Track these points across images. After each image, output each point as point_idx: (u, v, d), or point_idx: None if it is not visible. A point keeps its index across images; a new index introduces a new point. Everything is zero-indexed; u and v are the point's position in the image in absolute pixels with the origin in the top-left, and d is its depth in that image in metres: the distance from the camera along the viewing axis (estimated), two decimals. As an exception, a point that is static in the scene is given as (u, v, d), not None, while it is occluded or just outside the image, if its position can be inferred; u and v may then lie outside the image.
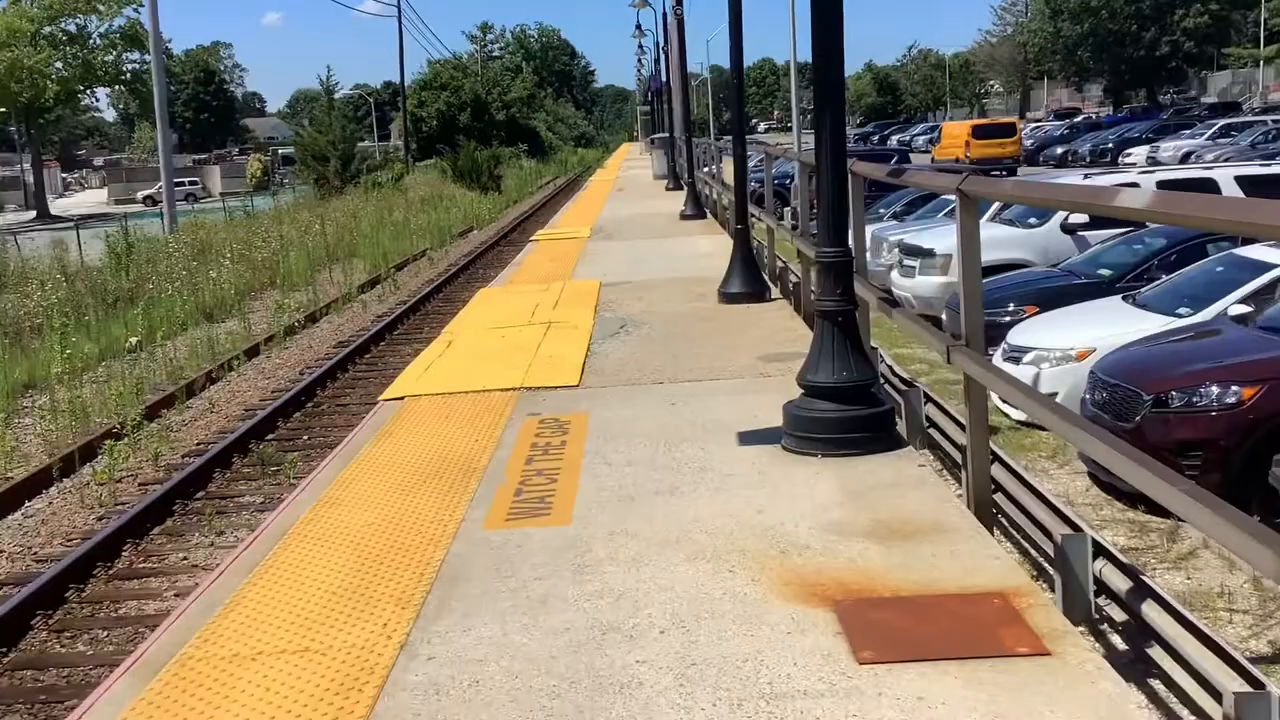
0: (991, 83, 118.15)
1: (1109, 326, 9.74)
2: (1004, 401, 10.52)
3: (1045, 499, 5.22)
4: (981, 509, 4.16)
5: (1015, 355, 10.13)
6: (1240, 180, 13.69)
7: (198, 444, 11.85)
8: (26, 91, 63.79)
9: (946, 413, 6.73)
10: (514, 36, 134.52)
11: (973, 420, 4.13)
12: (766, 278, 10.00)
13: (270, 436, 11.81)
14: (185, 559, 8.62)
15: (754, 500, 4.45)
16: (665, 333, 8.31)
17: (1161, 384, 7.53)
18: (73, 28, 69.17)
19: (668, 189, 26.59)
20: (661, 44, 33.40)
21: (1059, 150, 49.92)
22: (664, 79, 37.59)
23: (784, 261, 10.48)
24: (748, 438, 5.37)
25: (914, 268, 14.88)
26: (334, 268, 26.04)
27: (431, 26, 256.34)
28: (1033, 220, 14.84)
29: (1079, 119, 66.79)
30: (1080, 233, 14.09)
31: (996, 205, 15.98)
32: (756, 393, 6.33)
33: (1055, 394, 9.39)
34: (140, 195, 73.91)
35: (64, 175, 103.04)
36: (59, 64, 66.99)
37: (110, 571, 8.33)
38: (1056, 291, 11.97)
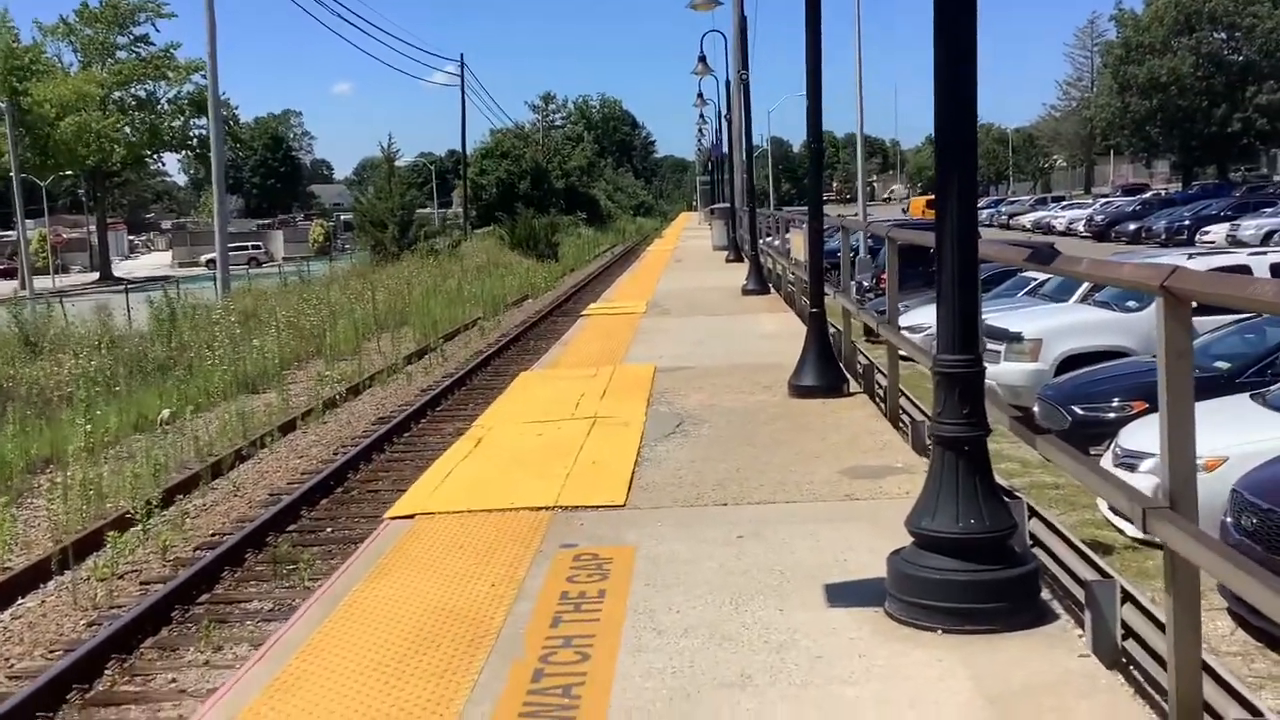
0: (1055, 157, 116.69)
1: (1241, 432, 8.39)
2: (1116, 513, 9.22)
3: (1215, 674, 4.01)
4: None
5: (1129, 461, 8.80)
6: (1368, 264, 12.31)
7: (213, 534, 10.84)
8: (94, 155, 64.53)
9: (1068, 540, 5.42)
10: (576, 107, 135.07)
11: (1178, 615, 2.90)
12: (843, 367, 8.80)
13: (292, 527, 10.75)
14: (174, 682, 7.51)
15: (858, 707, 3.23)
16: (728, 434, 7.12)
17: (1331, 513, 6.21)
18: (142, 93, 70.18)
19: (728, 260, 25.55)
20: (724, 112, 32.65)
21: (1131, 226, 48.39)
22: (724, 148, 36.76)
23: (867, 358, 9.25)
24: (838, 594, 4.16)
25: (998, 353, 13.58)
26: (382, 336, 25.21)
27: (495, 96, 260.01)
28: (1131, 303, 13.50)
29: (1148, 195, 65.11)
30: (1186, 318, 12.71)
31: (1087, 285, 14.70)
32: (843, 522, 5.13)
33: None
34: (203, 259, 74.39)
35: (131, 238, 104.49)
36: (127, 129, 67.78)
37: (87, 696, 7.24)
38: (1168, 386, 10.63)
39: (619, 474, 6.12)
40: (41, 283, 55.05)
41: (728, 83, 28.84)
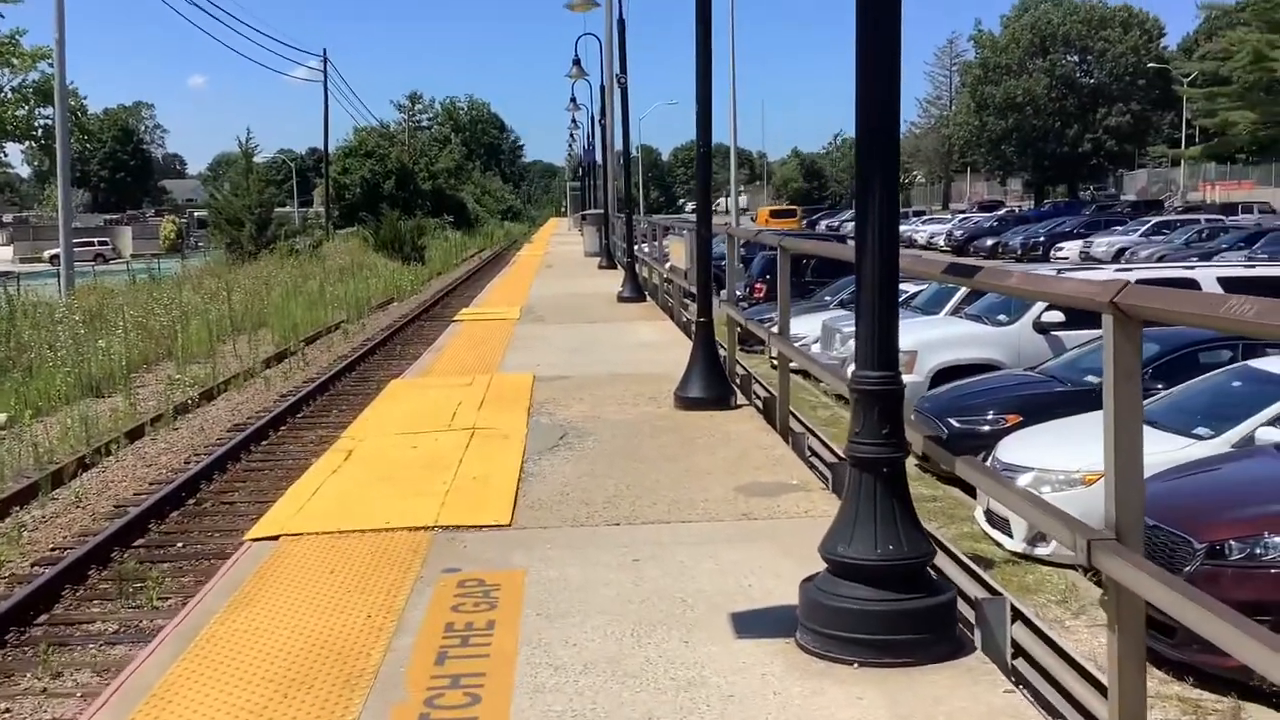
0: (915, 173, 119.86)
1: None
2: (993, 526, 9.25)
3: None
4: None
5: (1008, 475, 8.81)
6: (1223, 281, 12.70)
7: (52, 549, 10.07)
8: (-70, 144, 60.82)
9: (954, 556, 5.27)
10: (443, 108, 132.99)
11: (1124, 656, 2.70)
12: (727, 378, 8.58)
13: (139, 542, 10.06)
14: (7, 712, 6.87)
15: (780, 755, 2.97)
16: (615, 448, 6.82)
17: (1215, 529, 6.24)
18: (-17, 80, 66.50)
19: (600, 267, 25.30)
20: (597, 117, 32.40)
21: (989, 242, 49.80)
22: (597, 154, 36.56)
23: (744, 368, 9.05)
24: (746, 624, 3.90)
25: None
26: (239, 339, 24.19)
27: (360, 94, 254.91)
28: (1002, 317, 13.72)
29: (1003, 211, 67.35)
30: (1054, 332, 12.97)
31: (959, 297, 14.90)
32: (742, 543, 4.88)
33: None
34: (47, 254, 70.74)
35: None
36: (-35, 117, 64.06)
37: (-96, 732, 6.57)
38: (1041, 399, 10.76)
39: (502, 490, 5.76)
40: None
41: (602, 87, 28.65)
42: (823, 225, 66.91)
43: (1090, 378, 11.19)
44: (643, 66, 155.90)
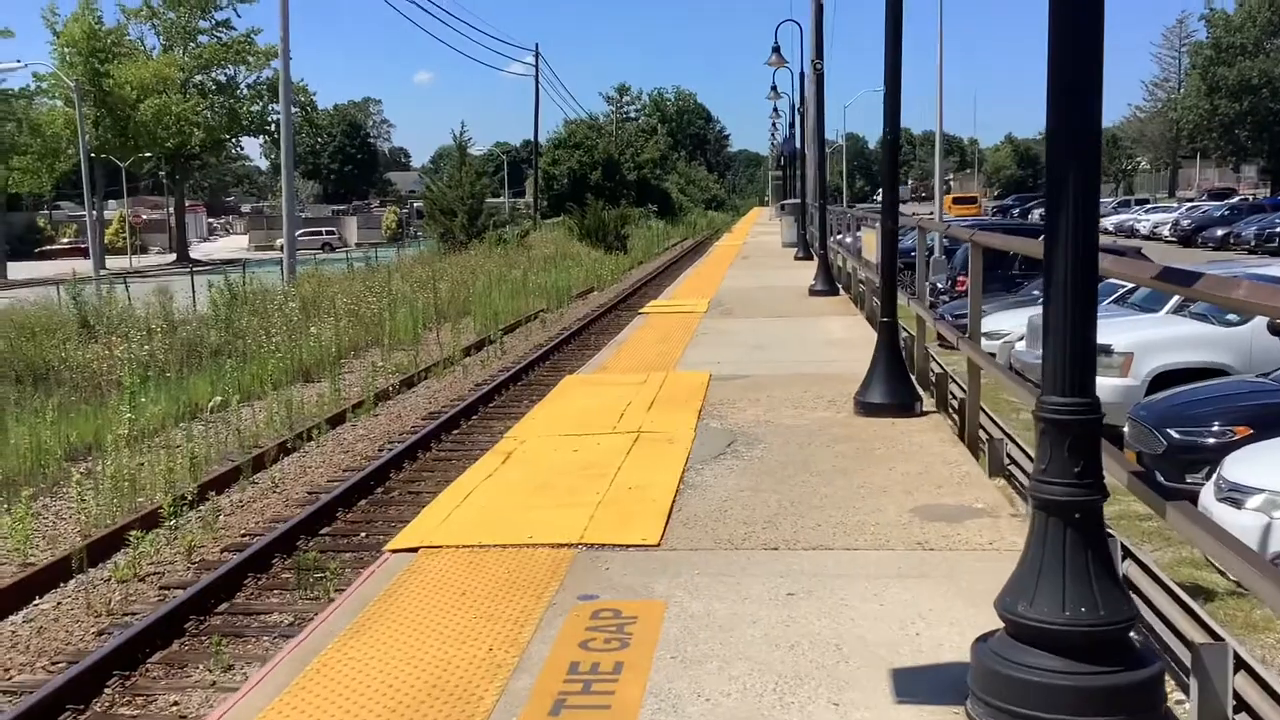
0: (1139, 159, 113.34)
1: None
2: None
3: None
4: None
5: (1235, 496, 7.87)
6: None
7: (243, 534, 10.30)
8: (173, 138, 65.21)
9: (1169, 590, 4.60)
10: (650, 99, 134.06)
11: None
12: (915, 382, 7.96)
13: (325, 530, 10.17)
14: (175, 705, 6.91)
15: None
16: (784, 458, 6.33)
17: None
18: (222, 78, 70.93)
19: (796, 258, 24.68)
20: (797, 106, 31.63)
21: (1219, 232, 46.48)
22: (797, 142, 35.77)
23: (941, 366, 8.36)
24: (909, 685, 3.37)
25: (1085, 366, 12.58)
26: (443, 327, 24.72)
27: (570, 87, 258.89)
28: (1232, 316, 12.43)
29: (1236, 200, 62.76)
30: (1295, 335, 11.64)
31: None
32: (913, 579, 4.33)
33: (1293, 553, 7.19)
34: (278, 242, 74.96)
35: (210, 220, 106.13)
36: (206, 112, 68.37)
37: (81, 718, 6.70)
38: (1275, 410, 9.63)
39: (657, 504, 5.37)
40: (120, 263, 55.76)
41: (802, 75, 27.94)
42: (1036, 214, 63.94)
43: (1337, 388, 9.99)
44: (849, 53, 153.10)
